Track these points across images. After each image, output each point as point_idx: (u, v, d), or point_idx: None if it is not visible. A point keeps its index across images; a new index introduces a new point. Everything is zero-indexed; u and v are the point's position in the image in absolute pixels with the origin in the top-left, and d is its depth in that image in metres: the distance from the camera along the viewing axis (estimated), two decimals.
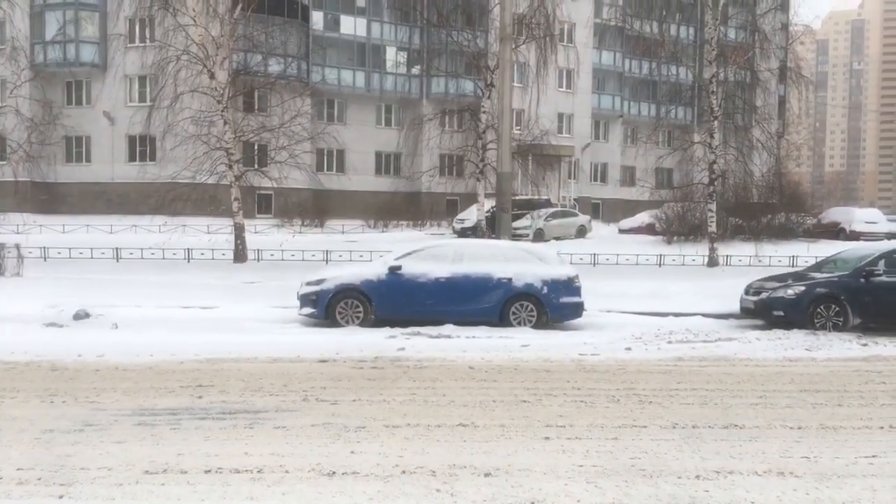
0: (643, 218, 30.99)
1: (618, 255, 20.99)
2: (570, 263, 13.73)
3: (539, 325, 11.01)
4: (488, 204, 25.77)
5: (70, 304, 11.31)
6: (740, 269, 19.31)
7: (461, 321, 10.79)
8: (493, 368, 7.88)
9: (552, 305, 11.11)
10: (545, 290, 11.09)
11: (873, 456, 5.00)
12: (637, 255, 21.12)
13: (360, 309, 10.93)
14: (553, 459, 4.81)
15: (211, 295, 13.48)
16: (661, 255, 21.22)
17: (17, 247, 16.31)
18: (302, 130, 22.45)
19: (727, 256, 21.03)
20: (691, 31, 29.77)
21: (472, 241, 15.08)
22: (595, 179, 46.24)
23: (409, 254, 11.35)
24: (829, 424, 5.79)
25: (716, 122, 21.40)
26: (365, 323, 10.85)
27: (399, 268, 11.04)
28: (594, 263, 20.28)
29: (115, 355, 8.14)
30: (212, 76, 19.36)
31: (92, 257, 19.72)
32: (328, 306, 10.89)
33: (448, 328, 10.57)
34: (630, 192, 43.21)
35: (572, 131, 43.94)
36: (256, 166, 23.38)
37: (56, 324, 10.45)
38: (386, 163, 40.18)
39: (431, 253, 11.43)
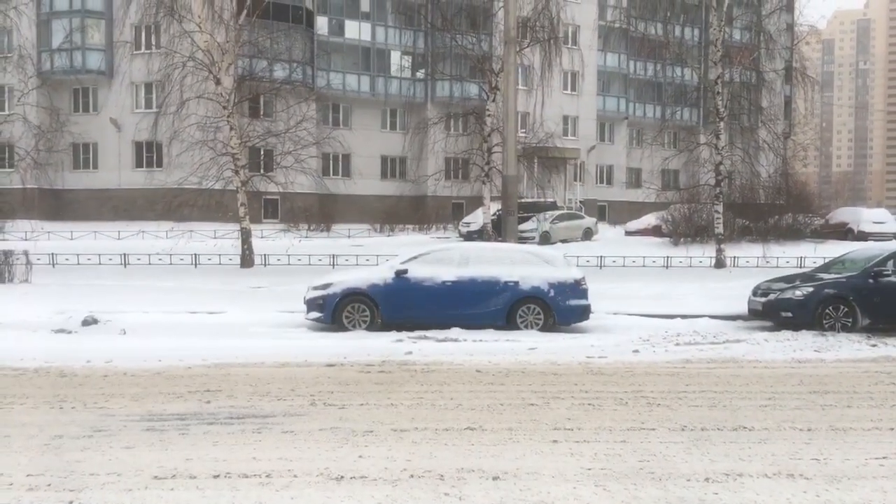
0: (650, 220, 30.92)
1: (624, 257, 20.97)
2: (577, 266, 13.71)
3: (546, 327, 10.98)
4: (494, 207, 25.84)
5: (78, 310, 11.37)
6: (748, 270, 19.24)
7: (468, 325, 10.79)
8: (501, 372, 7.87)
9: (559, 308, 11.08)
10: (552, 292, 11.06)
11: (883, 457, 4.97)
12: (644, 257, 21.08)
13: (367, 313, 10.94)
14: (561, 462, 4.80)
15: (218, 300, 13.54)
16: (667, 257, 21.18)
17: (26, 253, 16.39)
18: (307, 135, 22.51)
19: (734, 258, 20.94)
20: (696, 32, 29.66)
21: (478, 244, 15.06)
22: (601, 181, 46.17)
23: (415, 257, 11.35)
24: (839, 426, 5.76)
25: (722, 123, 21.36)
26: (372, 327, 10.86)
27: (405, 272, 11.04)
28: (601, 266, 20.28)
29: (123, 361, 8.17)
30: (217, 82, 19.45)
31: (100, 263, 19.85)
32: (335, 311, 10.89)
33: (455, 332, 10.57)
34: (636, 193, 43.07)
35: (577, 133, 43.88)
36: (262, 171, 23.47)
37: (64, 330, 10.50)
38: (391, 167, 40.21)
39: (437, 257, 11.41)
